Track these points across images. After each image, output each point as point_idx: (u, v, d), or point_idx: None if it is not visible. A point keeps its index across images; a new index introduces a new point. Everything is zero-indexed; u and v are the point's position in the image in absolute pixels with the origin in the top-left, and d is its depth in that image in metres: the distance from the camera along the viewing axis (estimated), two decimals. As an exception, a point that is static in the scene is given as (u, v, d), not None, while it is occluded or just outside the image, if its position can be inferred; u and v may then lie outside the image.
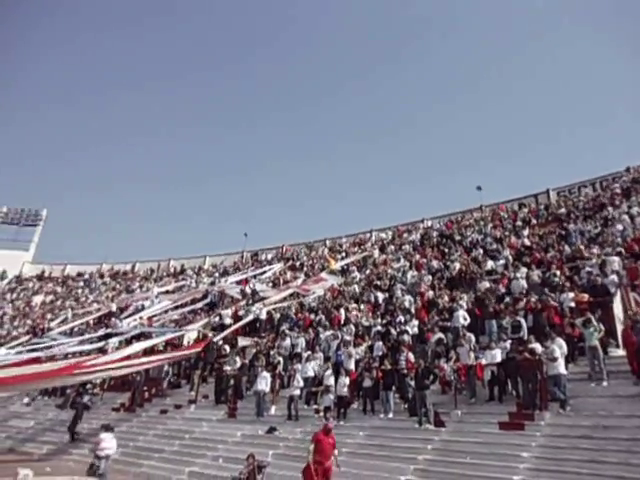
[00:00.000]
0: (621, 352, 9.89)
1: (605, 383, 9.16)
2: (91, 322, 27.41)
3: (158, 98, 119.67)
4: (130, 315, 24.84)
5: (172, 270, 40.53)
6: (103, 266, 45.32)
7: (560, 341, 9.45)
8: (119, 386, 18.78)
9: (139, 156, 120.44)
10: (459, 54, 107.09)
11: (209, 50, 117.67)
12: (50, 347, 18.43)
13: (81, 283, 41.94)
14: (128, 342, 18.86)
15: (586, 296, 11.15)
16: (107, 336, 19.55)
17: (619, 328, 10.30)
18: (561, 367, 8.96)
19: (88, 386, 18.91)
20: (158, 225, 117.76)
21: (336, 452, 8.14)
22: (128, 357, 15.39)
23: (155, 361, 16.30)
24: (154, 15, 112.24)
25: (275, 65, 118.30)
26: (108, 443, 10.91)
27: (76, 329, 26.04)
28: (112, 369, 15.04)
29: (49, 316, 32.84)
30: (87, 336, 21.02)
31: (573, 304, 11.30)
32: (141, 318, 23.13)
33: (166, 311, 24.66)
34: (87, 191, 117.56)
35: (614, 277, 11.58)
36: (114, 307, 28.37)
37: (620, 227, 15.37)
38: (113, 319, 25.34)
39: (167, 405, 15.85)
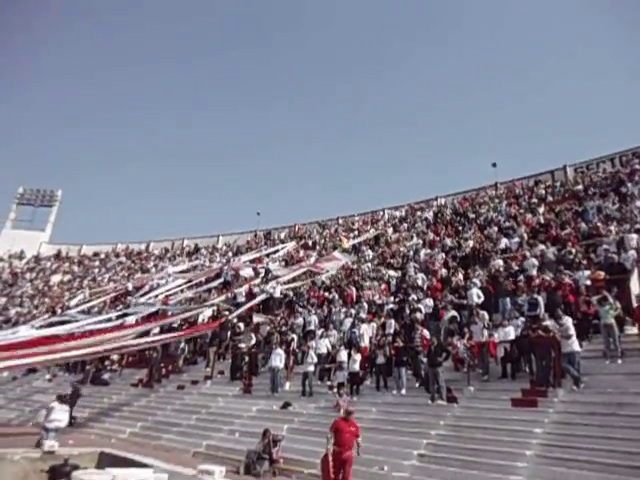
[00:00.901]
0: (635, 330, 9.81)
1: (620, 361, 9.08)
2: (108, 301, 27.92)
3: (172, 76, 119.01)
4: (146, 294, 25.25)
5: (186, 249, 40.91)
6: (118, 246, 45.93)
7: (568, 317, 9.36)
8: (137, 362, 19.24)
9: (153, 135, 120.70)
10: (473, 35, 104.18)
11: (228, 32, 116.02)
12: (70, 325, 18.81)
13: (97, 262, 42.66)
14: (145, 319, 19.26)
15: (602, 274, 11.00)
16: (124, 315, 19.94)
17: (636, 305, 10.18)
18: (575, 344, 8.91)
19: (107, 362, 19.50)
20: (172, 204, 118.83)
21: (359, 440, 7.43)
22: (146, 333, 15.70)
23: (171, 338, 16.60)
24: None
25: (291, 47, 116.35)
26: (58, 415, 10.25)
27: (94, 308, 26.55)
28: (131, 346, 15.41)
29: (67, 295, 33.55)
30: (105, 315, 21.43)
31: (589, 282, 11.19)
32: (156, 297, 23.50)
33: (181, 290, 25.00)
34: (101, 170, 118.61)
35: (632, 254, 11.40)
36: (130, 286, 28.84)
37: (639, 203, 15.05)
38: (129, 297, 25.84)
39: (184, 381, 16.21)
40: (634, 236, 12.43)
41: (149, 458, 6.24)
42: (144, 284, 28.60)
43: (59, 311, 27.01)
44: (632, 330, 9.88)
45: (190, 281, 26.26)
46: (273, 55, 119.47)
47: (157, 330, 18.15)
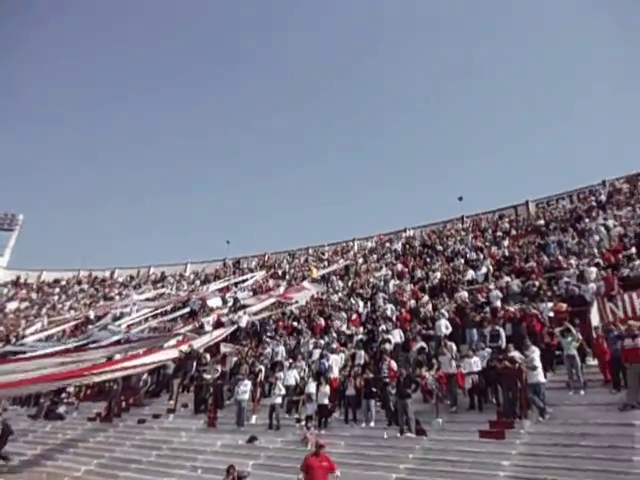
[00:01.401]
0: (595, 362, 10.08)
1: (583, 392, 9.30)
2: (67, 330, 26.80)
3: (140, 105, 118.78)
4: (108, 323, 24.38)
5: (152, 277, 39.98)
6: (81, 272, 44.46)
7: (535, 348, 9.57)
8: (95, 395, 18.38)
9: (120, 162, 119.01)
10: (443, 63, 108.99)
11: (196, 60, 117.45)
12: (24, 354, 17.89)
13: (57, 290, 41.03)
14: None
15: (564, 306, 11.34)
16: (84, 344, 19.14)
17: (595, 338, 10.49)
18: (540, 375, 9.08)
19: (63, 395, 18.51)
20: (138, 231, 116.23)
21: (337, 473, 7.15)
22: (107, 363, 15.02)
23: (133, 367, 15.90)
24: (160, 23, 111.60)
25: (258, 73, 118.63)
26: None
27: (53, 337, 25.40)
28: (89, 375, 14.67)
29: (23, 323, 32.00)
30: (63, 345, 20.52)
31: (552, 313, 11.50)
32: (119, 326, 22.71)
33: (146, 319, 24.28)
34: (65, 195, 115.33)
35: (592, 286, 11.82)
36: (92, 314, 27.82)
37: (597, 238, 15.73)
38: (90, 327, 24.87)
39: (145, 414, 15.52)
40: (593, 269, 12.92)
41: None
42: (107, 312, 27.66)
43: (13, 340, 25.70)
44: (593, 362, 10.14)
45: (155, 310, 25.57)
46: (237, 84, 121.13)
47: (119, 357, 17.40)
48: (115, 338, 19.79)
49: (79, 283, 42.06)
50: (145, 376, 17.26)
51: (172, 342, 18.76)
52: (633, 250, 13.41)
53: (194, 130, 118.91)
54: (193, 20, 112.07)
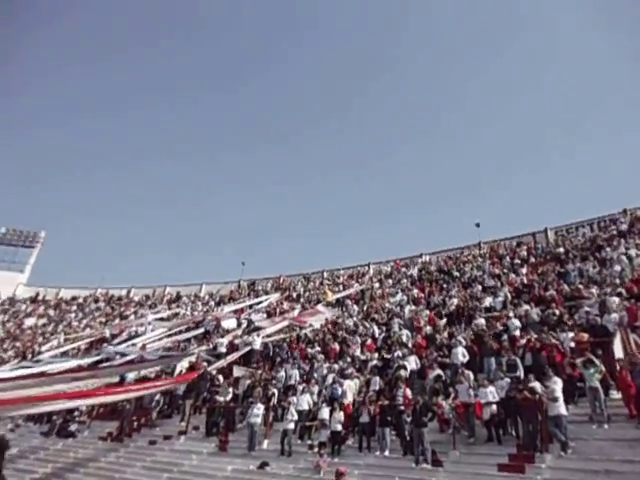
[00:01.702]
0: (619, 395, 9.76)
1: (606, 426, 8.98)
2: (82, 347, 26.98)
3: (153, 120, 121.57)
4: (124, 341, 24.51)
5: (168, 297, 40.23)
6: (98, 291, 45.00)
7: (557, 379, 9.32)
8: (107, 414, 18.29)
9: (139, 180, 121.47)
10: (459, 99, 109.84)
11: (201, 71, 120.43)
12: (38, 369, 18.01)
13: (74, 307, 41.52)
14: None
15: (586, 336, 11.06)
16: (99, 362, 19.21)
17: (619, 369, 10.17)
18: (562, 407, 8.80)
19: (75, 413, 18.51)
20: (155, 251, 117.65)
21: None
22: (120, 384, 15.02)
23: (146, 388, 15.87)
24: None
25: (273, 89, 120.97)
26: None
27: (68, 354, 25.57)
28: (102, 395, 14.67)
29: (40, 340, 32.34)
30: (78, 361, 20.62)
31: (573, 344, 11.22)
32: (134, 345, 22.79)
33: (160, 338, 24.32)
34: (86, 214, 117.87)
35: (615, 317, 11.54)
36: (107, 333, 28.01)
37: (618, 268, 15.42)
38: (105, 345, 24.99)
39: (156, 436, 15.40)
40: (615, 299, 12.62)
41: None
42: (122, 331, 27.83)
43: (29, 356, 25.94)
44: (617, 395, 9.82)
45: (170, 329, 25.63)
46: (250, 94, 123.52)
47: (132, 380, 17.43)
48: (129, 357, 19.82)
49: (96, 301, 42.51)
50: (157, 396, 17.21)
51: (184, 364, 18.73)
52: (657, 280, 13.09)
53: (210, 149, 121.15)
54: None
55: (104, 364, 18.34)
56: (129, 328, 28.34)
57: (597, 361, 9.55)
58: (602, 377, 9.46)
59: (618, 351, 10.51)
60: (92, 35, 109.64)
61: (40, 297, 45.17)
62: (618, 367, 9.75)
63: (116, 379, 16.41)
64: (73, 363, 19.66)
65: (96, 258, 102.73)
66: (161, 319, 29.98)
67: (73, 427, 17.75)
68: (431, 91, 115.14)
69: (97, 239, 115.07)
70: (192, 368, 18.14)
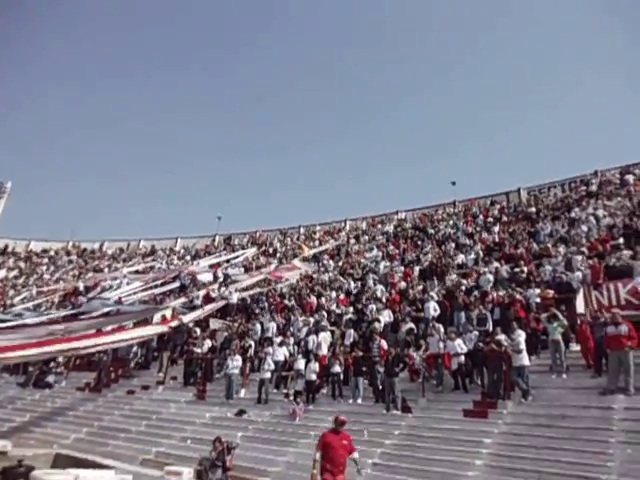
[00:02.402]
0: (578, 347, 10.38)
1: (565, 375, 9.62)
2: (56, 300, 26.73)
3: (134, 79, 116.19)
4: (98, 295, 24.36)
5: (142, 251, 39.81)
6: (69, 244, 44.09)
7: (521, 332, 9.83)
8: (85, 366, 18.43)
9: (113, 132, 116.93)
10: (436, 51, 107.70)
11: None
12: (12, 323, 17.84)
13: (45, 260, 40.72)
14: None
15: (551, 292, 11.60)
16: (75, 314, 19.12)
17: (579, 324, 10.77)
18: (525, 359, 9.33)
19: (52, 364, 18.58)
20: (129, 203, 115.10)
21: (356, 455, 6.28)
22: (97, 334, 15.03)
23: (123, 340, 15.93)
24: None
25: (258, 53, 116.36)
26: None
27: (41, 307, 25.34)
28: (79, 348, 14.69)
29: (11, 292, 31.83)
30: (53, 314, 20.48)
31: (539, 299, 11.76)
32: (109, 299, 22.68)
33: (135, 292, 24.25)
34: (56, 164, 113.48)
35: (579, 274, 12.07)
36: (81, 286, 27.73)
37: (585, 228, 15.95)
38: (80, 298, 24.82)
39: (134, 386, 15.69)
40: (580, 258, 13.16)
41: (107, 459, 6.01)
42: (96, 284, 27.59)
43: (1, 308, 25.60)
44: (576, 347, 10.43)
45: (146, 283, 25.54)
46: (235, 60, 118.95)
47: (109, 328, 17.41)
48: (105, 309, 19.76)
49: (68, 254, 41.74)
50: (135, 348, 17.39)
51: (159, 316, 18.66)
52: (621, 240, 13.64)
53: (188, 105, 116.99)
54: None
55: (81, 317, 18.23)
56: (103, 281, 28.11)
57: (560, 316, 10.07)
58: (564, 331, 10.01)
59: (580, 307, 11.08)
60: None
61: (9, 249, 44.02)
62: (579, 322, 10.31)
63: (92, 331, 16.40)
64: (47, 317, 19.49)
65: (66, 211, 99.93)
66: (136, 272, 29.78)
67: (50, 378, 17.85)
68: (410, 43, 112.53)
69: (67, 191, 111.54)
70: (164, 318, 18.13)
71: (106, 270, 33.95)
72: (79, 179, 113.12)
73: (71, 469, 4.87)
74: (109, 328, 16.05)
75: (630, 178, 19.37)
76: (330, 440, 6.00)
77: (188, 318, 17.61)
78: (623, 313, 9.27)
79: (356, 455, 6.25)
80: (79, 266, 37.62)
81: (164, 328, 16.74)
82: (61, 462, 5.91)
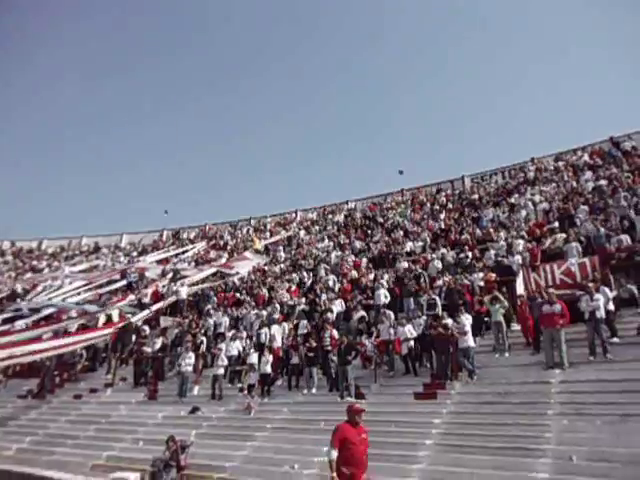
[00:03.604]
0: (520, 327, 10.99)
1: (507, 354, 10.19)
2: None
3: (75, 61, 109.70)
4: (37, 296, 23.11)
5: (85, 248, 38.07)
6: (3, 243, 41.42)
7: (467, 315, 10.30)
8: (25, 372, 17.48)
9: (52, 120, 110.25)
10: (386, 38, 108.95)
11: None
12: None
13: (-24, 261, 38.09)
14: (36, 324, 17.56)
15: (493, 275, 12.17)
16: (13, 318, 18.08)
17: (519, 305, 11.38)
18: (470, 340, 9.77)
19: (-12, 373, 17.51)
20: (68, 198, 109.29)
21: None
22: (38, 339, 14.31)
23: (68, 344, 15.27)
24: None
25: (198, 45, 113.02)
26: None
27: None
28: (18, 355, 13.92)
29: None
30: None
31: (482, 283, 12.31)
32: (50, 300, 21.59)
33: (79, 292, 23.19)
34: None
35: (518, 258, 12.71)
36: (19, 288, 26.16)
37: (524, 213, 16.78)
38: (18, 301, 23.45)
39: (81, 390, 15.10)
40: (520, 242, 13.86)
41: (51, 471, 5.74)
42: (35, 285, 26.14)
43: None
44: (517, 327, 11.03)
45: (90, 283, 24.45)
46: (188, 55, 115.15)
47: (49, 335, 16.63)
48: (47, 312, 18.81)
49: (2, 254, 39.23)
50: (80, 350, 16.68)
51: (103, 317, 17.90)
52: (556, 224, 14.45)
53: (130, 92, 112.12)
54: None
55: (17, 322, 17.26)
56: (43, 282, 26.67)
57: (502, 298, 10.61)
58: (505, 312, 10.56)
59: (520, 289, 11.69)
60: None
61: None
62: (519, 302, 10.89)
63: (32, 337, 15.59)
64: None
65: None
66: (79, 271, 28.47)
67: (-14, 387, 16.85)
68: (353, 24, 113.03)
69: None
70: (110, 320, 17.52)
71: (46, 270, 32.21)
72: (13, 172, 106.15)
73: (8, 485, 4.62)
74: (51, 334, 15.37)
75: (561, 165, 20.51)
76: (349, 435, 4.80)
77: (136, 318, 17.11)
78: (558, 292, 9.86)
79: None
80: (16, 267, 35.46)
81: (110, 331, 16.19)
82: (-2, 478, 5.58)
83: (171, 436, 9.36)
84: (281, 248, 24.60)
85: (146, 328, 16.62)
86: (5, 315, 19.36)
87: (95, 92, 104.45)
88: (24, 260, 36.88)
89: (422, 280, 13.81)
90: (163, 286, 20.71)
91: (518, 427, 7.45)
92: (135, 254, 32.11)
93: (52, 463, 10.63)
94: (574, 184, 17.41)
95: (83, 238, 40.01)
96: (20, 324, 17.27)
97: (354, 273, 16.49)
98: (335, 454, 4.70)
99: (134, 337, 16.06)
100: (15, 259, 37.51)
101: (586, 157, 19.98)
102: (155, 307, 18.21)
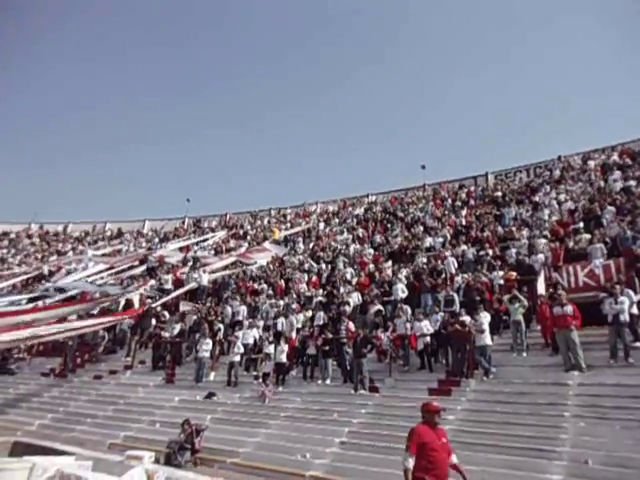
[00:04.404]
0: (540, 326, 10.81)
1: (525, 354, 10.03)
2: (19, 285, 25.87)
3: (98, 66, 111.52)
4: (62, 278, 23.71)
5: (108, 233, 38.86)
6: (31, 226, 42.56)
7: (485, 313, 10.16)
8: (49, 351, 18.06)
9: (78, 113, 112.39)
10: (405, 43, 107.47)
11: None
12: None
13: (6, 243, 39.23)
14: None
15: (514, 274, 11.96)
16: (40, 297, 18.61)
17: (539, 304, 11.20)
18: (487, 338, 9.65)
19: (14, 351, 18.10)
20: (95, 184, 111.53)
21: (455, 459, 4.33)
22: (62, 320, 14.70)
23: (89, 326, 15.65)
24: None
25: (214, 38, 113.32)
26: None
27: (2, 291, 24.49)
28: (43, 335, 14.33)
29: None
30: (18, 296, 19.85)
31: (502, 281, 12.14)
32: (74, 281, 22.14)
33: (101, 275, 23.72)
34: (17, 145, 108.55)
35: (540, 257, 12.49)
36: (45, 269, 26.90)
37: (547, 212, 16.45)
38: (43, 282, 24.13)
39: (101, 371, 15.49)
40: (542, 241, 13.61)
41: (69, 446, 5.93)
42: (60, 267, 26.82)
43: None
44: (538, 327, 10.86)
45: (112, 267, 24.98)
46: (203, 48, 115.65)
47: (74, 316, 17.07)
48: (72, 292, 19.30)
49: (29, 237, 40.32)
50: (102, 332, 17.10)
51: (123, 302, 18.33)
52: (581, 224, 14.13)
53: (155, 87, 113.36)
54: None
55: (47, 304, 17.75)
56: (68, 265, 27.35)
57: (521, 297, 10.43)
58: (525, 311, 10.39)
59: (541, 288, 11.50)
60: None
61: (-33, 231, 42.16)
62: (539, 302, 10.71)
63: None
64: (7, 300, 18.87)
65: (29, 192, 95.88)
66: (102, 255, 29.08)
67: (12, 364, 17.43)
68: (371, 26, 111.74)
69: (30, 172, 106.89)
70: (128, 306, 17.86)
71: (70, 253, 33.02)
72: (41, 159, 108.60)
73: (28, 457, 4.79)
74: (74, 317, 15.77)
75: (591, 164, 19.97)
76: (428, 439, 4.12)
77: (158, 302, 17.42)
78: (580, 295, 9.68)
79: (455, 459, 4.33)
80: (42, 249, 36.44)
81: (131, 316, 16.56)
82: (19, 450, 5.78)
83: (186, 419, 9.55)
84: (300, 239, 24.66)
85: (166, 313, 16.93)
86: (32, 295, 19.94)
87: (122, 80, 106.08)
88: (50, 243, 37.87)
89: (444, 276, 13.69)
90: (182, 273, 21.00)
91: (533, 428, 7.36)
92: (157, 240, 32.61)
93: (71, 440, 10.94)
94: (602, 184, 16.97)
95: (107, 223, 40.86)
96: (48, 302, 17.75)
97: (372, 266, 16.45)
98: (412, 461, 4.05)
99: (154, 321, 16.36)
100: (42, 242, 38.54)
101: (615, 156, 19.42)
102: (176, 293, 18.48)
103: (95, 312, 18.00)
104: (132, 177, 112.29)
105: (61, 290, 19.75)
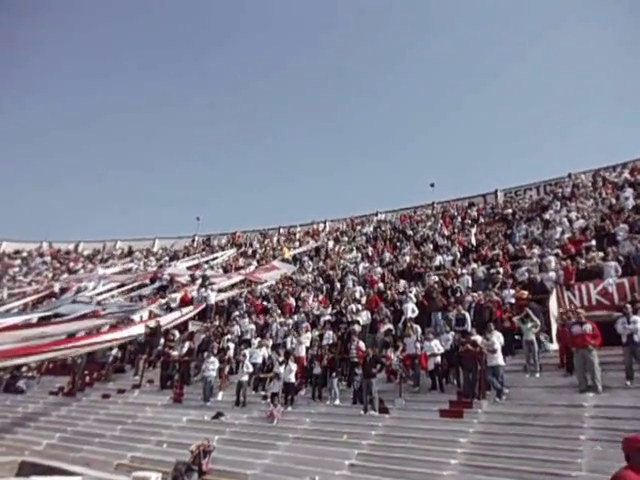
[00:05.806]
0: (554, 346, 10.60)
1: (538, 375, 9.82)
2: (30, 303, 26.05)
3: (108, 82, 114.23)
4: (73, 296, 23.85)
5: (119, 252, 39.18)
6: (43, 245, 43.09)
7: (498, 333, 9.99)
8: (58, 369, 18.06)
9: (89, 130, 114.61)
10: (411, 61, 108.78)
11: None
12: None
13: (18, 261, 39.68)
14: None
15: (525, 293, 11.81)
16: (53, 316, 18.71)
17: (553, 324, 11.02)
18: (499, 358, 9.49)
19: (23, 369, 18.13)
20: (104, 203, 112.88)
21: None
22: (71, 338, 14.72)
23: (98, 343, 15.61)
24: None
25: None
26: None
27: (13, 310, 24.65)
28: (50, 351, 14.33)
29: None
30: (29, 315, 19.95)
31: (513, 300, 11.98)
32: (90, 298, 22.27)
33: (112, 295, 23.84)
34: (28, 163, 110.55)
35: (552, 275, 12.34)
36: (56, 287, 27.10)
37: (559, 229, 16.32)
38: (53, 300, 24.29)
39: (110, 390, 15.42)
40: (553, 259, 13.46)
41: (76, 466, 5.88)
42: (71, 286, 27.01)
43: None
44: (550, 347, 10.65)
45: (122, 285, 25.11)
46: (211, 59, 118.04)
47: (83, 334, 17.10)
48: (83, 311, 19.38)
49: (41, 255, 40.78)
50: (114, 351, 17.11)
51: (136, 317, 18.40)
52: (593, 242, 13.99)
53: (167, 103, 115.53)
54: None
55: (55, 320, 17.83)
56: (79, 283, 27.54)
57: (534, 316, 10.26)
58: (538, 331, 10.21)
59: (553, 307, 11.34)
60: None
61: (-20, 251, 42.75)
62: (556, 322, 10.51)
63: (64, 337, 16.06)
64: (21, 318, 18.98)
65: (40, 211, 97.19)
66: (113, 274, 29.27)
67: (21, 383, 17.43)
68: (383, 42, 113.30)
69: (41, 191, 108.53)
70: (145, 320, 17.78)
71: (81, 271, 33.29)
72: (53, 178, 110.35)
73: (35, 477, 4.74)
74: (83, 333, 15.79)
75: (600, 182, 19.88)
76: None
77: (165, 320, 17.40)
78: (593, 314, 9.51)
79: None
80: (53, 267, 36.80)
81: (140, 328, 16.49)
82: (26, 470, 5.74)
83: (201, 443, 9.41)
84: (308, 258, 24.67)
85: (175, 332, 16.90)
86: (43, 314, 20.03)
87: (131, 100, 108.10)
88: (61, 261, 38.24)
89: (458, 294, 13.57)
90: (191, 291, 21.03)
91: (548, 451, 7.18)
92: (167, 259, 32.80)
93: (79, 460, 10.88)
94: (613, 201, 16.84)
95: (117, 242, 41.26)
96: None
97: (381, 285, 16.34)
98: None
99: (162, 340, 16.33)
100: (53, 260, 38.94)
101: (626, 174, 19.30)
102: (187, 313, 18.44)
103: (105, 329, 18.03)
104: (143, 195, 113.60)
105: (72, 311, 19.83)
